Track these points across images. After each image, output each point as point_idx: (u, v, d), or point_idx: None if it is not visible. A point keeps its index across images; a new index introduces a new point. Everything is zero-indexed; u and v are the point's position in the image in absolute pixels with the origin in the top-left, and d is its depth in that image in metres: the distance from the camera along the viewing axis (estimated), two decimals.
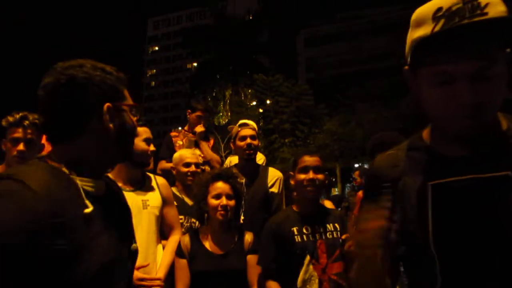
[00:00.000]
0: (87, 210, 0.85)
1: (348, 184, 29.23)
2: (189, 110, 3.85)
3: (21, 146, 2.04)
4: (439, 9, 0.75)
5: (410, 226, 0.83)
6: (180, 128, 3.97)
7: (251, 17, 32.04)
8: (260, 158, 3.61)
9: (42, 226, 0.75)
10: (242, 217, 2.57)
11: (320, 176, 2.13)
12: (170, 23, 69.74)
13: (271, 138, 21.77)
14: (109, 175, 2.07)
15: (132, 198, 2.03)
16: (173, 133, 3.83)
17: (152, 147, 2.16)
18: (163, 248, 2.32)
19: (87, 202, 0.87)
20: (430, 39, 0.76)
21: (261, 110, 24.81)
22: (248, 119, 3.27)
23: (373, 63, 36.12)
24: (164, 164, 3.43)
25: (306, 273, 2.04)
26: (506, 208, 0.73)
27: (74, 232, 0.81)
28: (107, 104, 0.92)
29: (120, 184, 2.04)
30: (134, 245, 1.06)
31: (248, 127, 2.86)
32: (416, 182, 0.83)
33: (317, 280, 2.01)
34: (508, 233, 0.72)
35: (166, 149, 3.66)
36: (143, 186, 2.17)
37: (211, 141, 3.78)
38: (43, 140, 2.60)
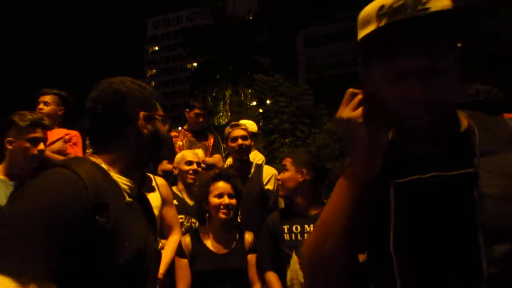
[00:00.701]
0: (127, 200, 1.01)
1: None
2: (187, 109, 3.84)
3: (41, 146, 2.10)
4: (382, 7, 0.74)
5: (371, 226, 0.80)
6: (180, 128, 3.96)
7: (251, 17, 32.04)
8: (260, 158, 3.61)
9: (88, 204, 0.88)
10: (239, 216, 2.58)
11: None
12: (170, 23, 69.74)
13: (271, 138, 21.76)
14: None
15: None
16: (173, 133, 3.83)
17: None
18: (163, 247, 2.32)
19: (125, 194, 1.03)
20: (372, 36, 0.75)
21: (261, 110, 24.79)
22: (248, 119, 3.28)
23: None
24: (165, 165, 3.44)
25: (292, 272, 2.06)
26: (470, 206, 0.70)
27: (115, 215, 0.92)
28: (143, 112, 1.09)
29: None
30: (159, 245, 1.15)
31: (239, 128, 2.86)
32: (379, 180, 0.78)
33: (302, 280, 2.02)
34: (472, 232, 0.69)
35: (166, 149, 3.66)
36: (143, 186, 2.17)
37: (211, 140, 3.77)
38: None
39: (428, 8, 0.70)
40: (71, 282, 0.84)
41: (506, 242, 0.67)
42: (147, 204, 1.20)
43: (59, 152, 3.07)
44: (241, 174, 2.67)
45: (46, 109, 3.16)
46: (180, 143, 3.72)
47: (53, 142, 3.08)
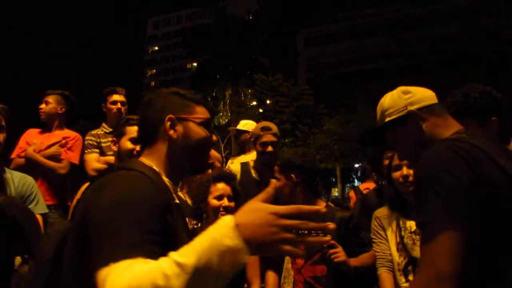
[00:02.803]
0: (176, 201, 1.06)
1: (348, 184, 29.19)
2: None
3: None
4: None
5: None
6: (138, 127, 3.93)
7: (251, 17, 32.04)
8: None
9: (161, 203, 0.93)
10: None
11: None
12: (170, 23, 69.75)
13: None
14: None
15: None
16: None
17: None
18: None
19: (174, 195, 1.08)
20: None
21: (261, 110, 24.80)
22: (248, 119, 3.26)
23: (373, 63, 36.13)
24: None
25: (285, 271, 2.07)
26: None
27: (174, 216, 0.98)
28: (169, 115, 1.12)
29: None
30: None
31: (270, 133, 2.83)
32: None
33: (292, 280, 2.03)
34: None
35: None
36: None
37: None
38: None
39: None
40: None
41: None
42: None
43: (53, 156, 3.02)
44: (261, 176, 2.72)
45: (46, 108, 3.16)
46: None
47: (49, 146, 3.06)
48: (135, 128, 2.02)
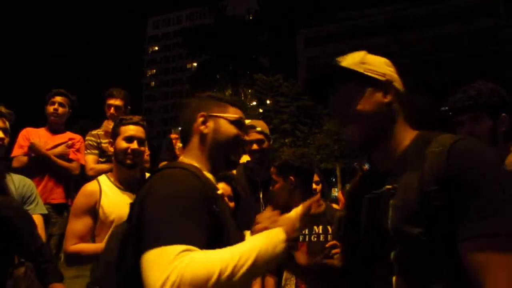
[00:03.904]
0: (219, 192, 1.13)
1: (348, 184, 29.21)
2: None
3: (1, 134, 2.08)
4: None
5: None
6: (180, 128, 3.95)
7: (251, 17, 32.06)
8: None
9: (208, 195, 1.00)
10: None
11: None
12: (170, 23, 69.76)
13: None
14: (110, 176, 2.09)
15: (125, 198, 2.01)
16: (172, 135, 3.81)
17: (136, 145, 2.02)
18: None
19: (217, 186, 1.17)
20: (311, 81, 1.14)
21: (261, 110, 24.80)
22: (248, 119, 3.21)
23: None
24: None
25: (286, 273, 2.04)
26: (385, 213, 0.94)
27: (220, 206, 1.04)
28: (201, 113, 1.21)
29: (117, 185, 2.04)
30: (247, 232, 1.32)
31: (254, 131, 2.64)
32: (360, 194, 1.09)
33: (294, 282, 2.01)
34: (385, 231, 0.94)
35: (166, 151, 3.65)
36: (141, 186, 2.12)
37: None
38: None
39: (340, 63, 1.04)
40: None
41: (400, 242, 0.89)
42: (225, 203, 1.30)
43: (61, 155, 3.12)
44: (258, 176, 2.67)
45: (61, 110, 3.21)
46: (180, 144, 3.71)
47: (56, 146, 3.14)
48: (130, 127, 2.05)
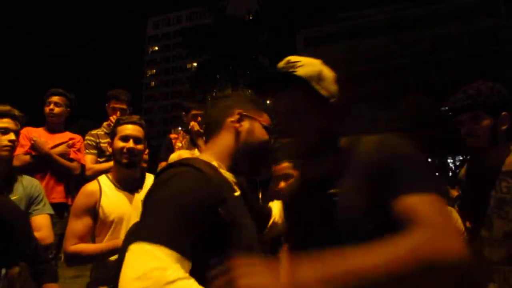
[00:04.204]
0: (236, 193, 1.08)
1: None
2: (184, 112, 3.77)
3: (12, 136, 2.12)
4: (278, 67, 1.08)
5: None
6: (180, 129, 3.94)
7: (251, 17, 32.06)
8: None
9: (213, 197, 0.96)
10: None
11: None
12: (170, 23, 69.75)
13: None
14: (109, 176, 2.08)
15: (124, 198, 2.01)
16: (172, 135, 3.80)
17: (132, 144, 2.02)
18: None
19: (235, 187, 1.11)
20: (260, 76, 1.17)
21: None
22: None
23: (373, 63, 36.13)
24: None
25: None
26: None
27: (230, 207, 1.00)
28: (238, 110, 1.18)
29: (117, 185, 2.04)
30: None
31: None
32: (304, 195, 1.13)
33: None
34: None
35: (165, 151, 3.64)
36: (140, 186, 2.12)
37: None
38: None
39: (295, 71, 1.04)
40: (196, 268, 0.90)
41: (349, 236, 0.93)
42: (249, 199, 1.25)
43: (62, 155, 3.12)
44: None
45: (57, 109, 3.20)
46: (180, 144, 3.69)
47: (57, 145, 3.14)
48: (126, 126, 2.06)
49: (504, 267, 1.67)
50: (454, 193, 5.79)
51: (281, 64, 1.08)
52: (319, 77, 1.05)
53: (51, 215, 2.25)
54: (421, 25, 34.93)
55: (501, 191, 1.72)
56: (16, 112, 2.20)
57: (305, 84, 1.02)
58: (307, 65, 1.05)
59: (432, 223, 0.80)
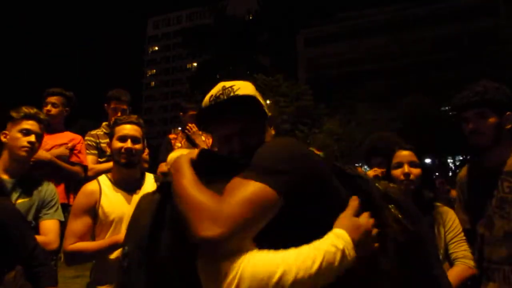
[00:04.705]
0: None
1: None
2: (181, 113, 3.74)
3: (32, 138, 2.13)
4: (211, 95, 1.13)
5: None
6: (179, 129, 3.93)
7: (251, 17, 32.07)
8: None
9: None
10: None
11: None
12: (170, 23, 69.74)
13: None
14: (109, 176, 2.07)
15: (124, 198, 2.01)
16: (171, 136, 3.79)
17: (130, 144, 2.00)
18: None
19: None
20: (201, 113, 1.16)
21: None
22: None
23: (373, 63, 36.12)
24: (163, 167, 3.39)
25: None
26: None
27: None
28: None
29: (117, 185, 2.04)
30: None
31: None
32: None
33: None
34: None
35: (165, 152, 3.62)
36: (140, 186, 2.11)
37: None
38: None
39: (236, 95, 1.09)
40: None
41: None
42: None
43: (60, 157, 3.03)
44: None
45: (54, 110, 3.14)
46: (179, 144, 3.68)
47: (57, 146, 3.07)
48: (124, 126, 2.05)
49: (504, 266, 1.67)
50: (454, 193, 5.78)
51: (216, 92, 1.13)
52: (257, 96, 1.13)
53: (61, 222, 2.22)
54: (421, 25, 34.93)
55: (503, 191, 1.72)
56: (42, 116, 2.21)
57: (251, 100, 1.10)
58: (242, 87, 1.12)
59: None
